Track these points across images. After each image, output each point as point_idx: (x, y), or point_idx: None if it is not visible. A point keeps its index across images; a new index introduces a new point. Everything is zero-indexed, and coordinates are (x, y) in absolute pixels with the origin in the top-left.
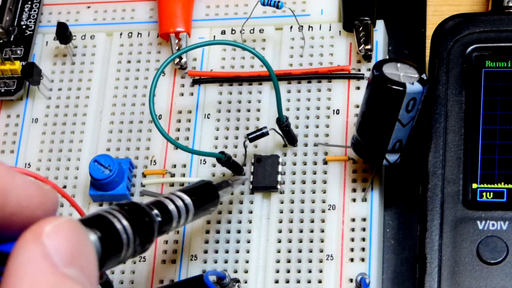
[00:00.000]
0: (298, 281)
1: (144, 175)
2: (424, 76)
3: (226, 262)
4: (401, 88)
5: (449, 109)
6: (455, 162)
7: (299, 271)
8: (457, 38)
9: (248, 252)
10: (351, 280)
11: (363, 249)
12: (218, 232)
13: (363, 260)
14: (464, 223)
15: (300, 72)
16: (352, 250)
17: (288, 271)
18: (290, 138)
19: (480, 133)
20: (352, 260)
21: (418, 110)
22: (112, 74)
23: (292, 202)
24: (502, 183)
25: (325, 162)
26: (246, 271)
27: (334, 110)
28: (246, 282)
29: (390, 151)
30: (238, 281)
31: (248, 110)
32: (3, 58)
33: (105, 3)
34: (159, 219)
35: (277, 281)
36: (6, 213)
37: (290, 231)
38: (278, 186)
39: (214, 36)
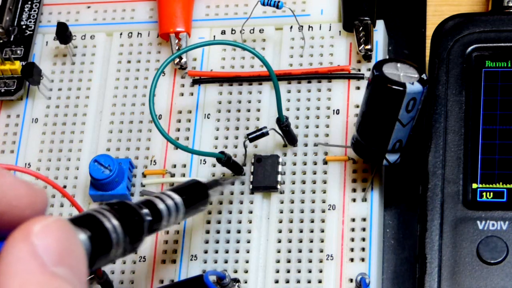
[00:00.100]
0: (298, 281)
1: (144, 175)
2: (424, 76)
3: (226, 262)
4: (401, 88)
5: (449, 109)
6: (455, 162)
7: (299, 271)
8: (457, 38)
9: (248, 252)
10: (351, 280)
11: (363, 249)
12: (218, 232)
13: (363, 260)
14: (464, 223)
15: (300, 72)
16: (352, 250)
17: (288, 271)
18: (290, 138)
19: (480, 133)
20: (352, 260)
21: (418, 110)
22: (112, 74)
23: (292, 202)
24: (502, 183)
25: (325, 162)
26: (246, 271)
27: (334, 110)
28: (246, 282)
29: (390, 151)
30: (238, 281)
31: (248, 110)
32: (3, 58)
33: (105, 3)
34: (149, 218)
35: (277, 281)
36: None
37: (290, 231)
38: (278, 186)
39: (214, 36)
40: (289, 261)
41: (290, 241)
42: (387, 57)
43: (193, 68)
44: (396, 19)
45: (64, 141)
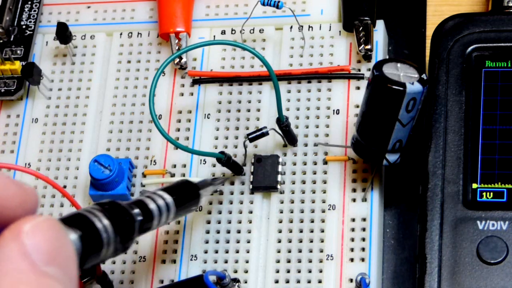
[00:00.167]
0: (298, 281)
1: (144, 175)
2: (424, 76)
3: (226, 262)
4: (401, 88)
5: (449, 109)
6: (455, 162)
7: (299, 271)
8: (457, 38)
9: (248, 252)
10: (351, 280)
11: (363, 249)
12: (218, 232)
13: (363, 260)
14: (464, 223)
15: (300, 72)
16: (352, 250)
17: (288, 271)
18: (290, 138)
19: (480, 133)
20: (352, 260)
21: (418, 110)
22: (112, 74)
23: (292, 202)
24: (502, 183)
25: (325, 162)
26: (246, 271)
27: (334, 110)
28: (246, 282)
29: (390, 151)
30: (238, 281)
31: (248, 110)
32: (3, 58)
33: (105, 3)
34: (140, 218)
35: (277, 281)
36: None
37: (290, 231)
38: (278, 186)
39: (214, 36)
40: (289, 261)
41: (290, 241)
42: (387, 57)
43: (193, 68)
44: (396, 19)
45: (64, 141)
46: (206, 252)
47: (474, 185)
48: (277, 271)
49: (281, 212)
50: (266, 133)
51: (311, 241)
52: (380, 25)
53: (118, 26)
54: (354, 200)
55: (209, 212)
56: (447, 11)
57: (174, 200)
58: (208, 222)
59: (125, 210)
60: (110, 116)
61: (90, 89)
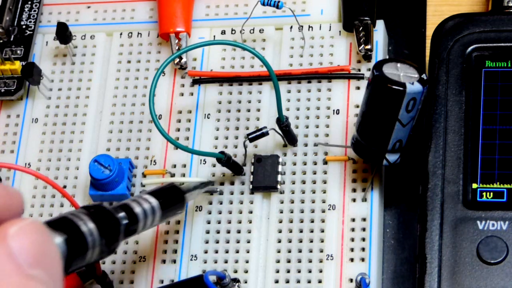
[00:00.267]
0: (298, 281)
1: (144, 175)
2: (424, 76)
3: (226, 262)
4: (401, 88)
5: (449, 109)
6: (455, 162)
7: (299, 271)
8: (457, 38)
9: (248, 252)
10: (351, 280)
11: (363, 249)
12: (218, 232)
13: (363, 260)
14: (464, 223)
15: (300, 72)
16: (352, 250)
17: (288, 271)
18: (290, 138)
19: (480, 133)
20: (352, 260)
21: (418, 110)
22: (112, 74)
23: (292, 202)
24: (502, 183)
25: (325, 162)
26: (246, 271)
27: (334, 110)
28: (246, 282)
29: (390, 151)
30: (238, 281)
31: (248, 110)
32: (3, 58)
33: (105, 3)
34: (126, 221)
35: (277, 281)
36: None
37: (290, 231)
38: (278, 186)
39: (214, 36)
40: (289, 261)
41: (290, 241)
42: (387, 57)
43: (193, 68)
44: (396, 19)
45: (64, 141)
46: (206, 252)
47: (474, 185)
48: (277, 271)
49: (281, 212)
50: (266, 133)
51: (311, 241)
52: (380, 25)
53: (118, 26)
54: (354, 200)
55: (209, 212)
56: (447, 11)
57: (160, 204)
58: (208, 222)
59: (111, 214)
60: (110, 116)
61: (90, 89)
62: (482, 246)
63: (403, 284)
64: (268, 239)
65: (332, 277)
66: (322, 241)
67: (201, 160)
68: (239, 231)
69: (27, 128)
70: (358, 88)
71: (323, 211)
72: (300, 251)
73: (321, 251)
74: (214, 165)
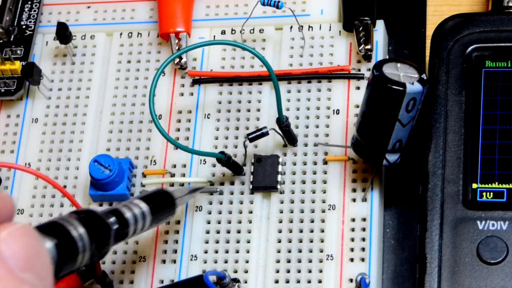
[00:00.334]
0: (298, 281)
1: (144, 175)
2: (424, 76)
3: (226, 262)
4: (401, 88)
5: (449, 109)
6: (455, 162)
7: (299, 271)
8: (457, 38)
9: (248, 252)
10: (351, 280)
11: (363, 249)
12: (218, 232)
13: (363, 260)
14: (464, 223)
15: (300, 72)
16: (352, 250)
17: (288, 271)
18: (290, 138)
19: (480, 133)
20: (352, 260)
21: (418, 110)
22: (112, 74)
23: (292, 202)
24: (502, 183)
25: (325, 162)
26: (246, 271)
27: (334, 110)
28: (246, 282)
29: (390, 151)
30: (238, 281)
31: (248, 110)
32: (3, 58)
33: (105, 3)
34: (116, 226)
35: (277, 281)
36: None
37: (290, 231)
38: (278, 186)
39: (214, 36)
40: (289, 261)
41: (290, 241)
42: (387, 57)
43: (193, 68)
44: (396, 19)
45: (64, 141)
46: (206, 252)
47: (474, 185)
48: (277, 271)
49: (281, 212)
50: (266, 133)
51: (311, 241)
52: (380, 25)
53: (118, 26)
54: (354, 200)
55: (209, 212)
56: (447, 11)
57: (150, 209)
58: (208, 222)
59: (101, 219)
60: (110, 116)
61: (90, 89)
62: (482, 246)
63: (403, 284)
64: (268, 239)
65: (332, 277)
66: (322, 241)
67: (201, 160)
68: (239, 231)
69: (27, 128)
70: (358, 88)
71: (323, 211)
72: (300, 251)
73: (321, 251)
74: (214, 165)
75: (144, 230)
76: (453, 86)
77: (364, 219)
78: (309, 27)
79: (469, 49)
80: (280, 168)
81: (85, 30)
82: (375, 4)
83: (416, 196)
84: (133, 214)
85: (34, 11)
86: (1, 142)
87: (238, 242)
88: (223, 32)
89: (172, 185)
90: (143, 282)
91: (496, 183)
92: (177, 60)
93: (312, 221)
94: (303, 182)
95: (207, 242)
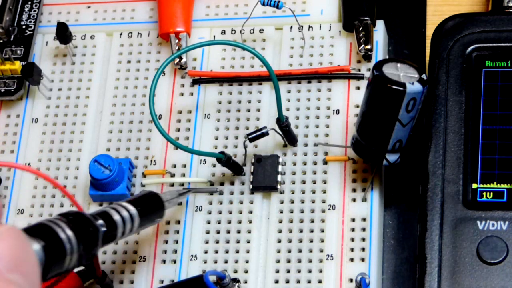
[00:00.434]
0: (298, 281)
1: (144, 175)
2: (424, 76)
3: (226, 262)
4: (401, 88)
5: (449, 109)
6: (455, 162)
7: (299, 271)
8: (457, 38)
9: (248, 252)
10: (351, 280)
11: (363, 249)
12: (218, 232)
13: (363, 260)
14: (464, 223)
15: (300, 72)
16: (352, 250)
17: (288, 271)
18: (290, 138)
19: (480, 133)
20: (352, 260)
21: (418, 110)
22: (112, 74)
23: (292, 202)
24: (502, 183)
25: (325, 162)
26: (246, 271)
27: (334, 110)
28: (246, 282)
29: (390, 151)
30: (238, 281)
31: (248, 110)
32: (3, 58)
33: (105, 3)
34: (104, 229)
35: (277, 281)
36: None
37: (290, 231)
38: (278, 186)
39: (214, 36)
40: (289, 261)
41: (290, 241)
42: (387, 57)
43: (193, 68)
44: (396, 19)
45: (64, 141)
46: (206, 252)
47: (474, 185)
48: (277, 271)
49: (281, 212)
50: (266, 133)
51: (311, 241)
52: (380, 25)
53: (118, 26)
54: (354, 200)
55: (209, 212)
56: (447, 11)
57: (138, 212)
58: (208, 222)
59: (89, 221)
60: (110, 116)
61: (90, 89)
62: (482, 246)
63: (403, 284)
64: (268, 239)
65: (332, 277)
66: (322, 241)
67: (201, 160)
68: (239, 231)
69: (27, 128)
70: (358, 88)
71: (323, 211)
72: (300, 251)
73: (321, 251)
74: (214, 165)
75: (133, 232)
76: (453, 86)
77: (364, 219)
78: (309, 27)
79: (469, 49)
80: (280, 168)
81: (85, 30)
82: (375, 4)
83: (416, 196)
84: (121, 216)
85: (34, 11)
86: (1, 142)
87: (238, 242)
88: (223, 32)
89: (172, 185)
90: (143, 282)
91: (496, 183)
92: (177, 60)
93: (312, 221)
94: (303, 182)
95: (207, 242)
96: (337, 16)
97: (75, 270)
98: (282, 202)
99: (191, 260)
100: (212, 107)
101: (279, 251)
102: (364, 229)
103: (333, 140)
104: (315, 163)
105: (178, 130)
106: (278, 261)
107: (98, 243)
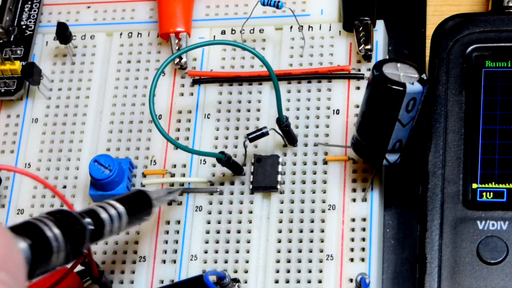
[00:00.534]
0: (298, 281)
1: (144, 175)
2: (424, 76)
3: (226, 262)
4: (401, 88)
5: (449, 109)
6: (455, 162)
7: (299, 271)
8: (457, 38)
9: (248, 252)
10: (351, 280)
11: (363, 249)
12: (218, 232)
13: (363, 260)
14: (464, 223)
15: (300, 72)
16: (352, 250)
17: (288, 271)
18: (290, 138)
19: (480, 133)
20: (352, 260)
21: (418, 110)
22: (112, 74)
23: (292, 202)
24: (502, 183)
25: (325, 162)
26: (246, 271)
27: (334, 110)
28: (246, 282)
29: (390, 151)
30: (238, 281)
31: (248, 110)
32: (3, 58)
33: (105, 3)
34: (91, 227)
35: (277, 281)
36: None
37: (290, 231)
38: (278, 186)
39: (214, 36)
40: (289, 261)
41: (290, 241)
42: (387, 57)
43: (193, 68)
44: (396, 19)
45: (64, 141)
46: (206, 252)
47: (474, 185)
48: (277, 271)
49: (281, 212)
50: (266, 133)
51: (311, 241)
52: (380, 25)
53: (118, 26)
54: (354, 200)
55: (209, 212)
56: (447, 11)
57: (127, 210)
58: (208, 222)
59: (76, 219)
60: (110, 116)
61: (90, 89)
62: (482, 246)
63: (403, 284)
64: (268, 239)
65: (332, 277)
66: (322, 241)
67: (201, 160)
68: (239, 231)
69: (27, 128)
70: (358, 88)
71: (323, 211)
72: (300, 251)
73: (321, 251)
74: (214, 165)
75: (121, 231)
76: (453, 86)
77: (364, 219)
78: (309, 27)
79: (469, 49)
80: (280, 168)
81: (85, 30)
82: (375, 4)
83: (416, 196)
84: (109, 215)
85: (34, 11)
86: (1, 142)
87: (238, 242)
88: (223, 32)
89: (172, 185)
90: (143, 282)
91: (496, 183)
92: (177, 60)
93: (312, 221)
94: (303, 182)
95: (207, 242)
96: (337, 16)
97: (75, 270)
98: (282, 202)
99: (191, 260)
100: (212, 107)
101: (279, 251)
102: (364, 229)
103: (333, 140)
104: (315, 163)
105: (178, 130)
106: (278, 261)
107: (85, 241)
